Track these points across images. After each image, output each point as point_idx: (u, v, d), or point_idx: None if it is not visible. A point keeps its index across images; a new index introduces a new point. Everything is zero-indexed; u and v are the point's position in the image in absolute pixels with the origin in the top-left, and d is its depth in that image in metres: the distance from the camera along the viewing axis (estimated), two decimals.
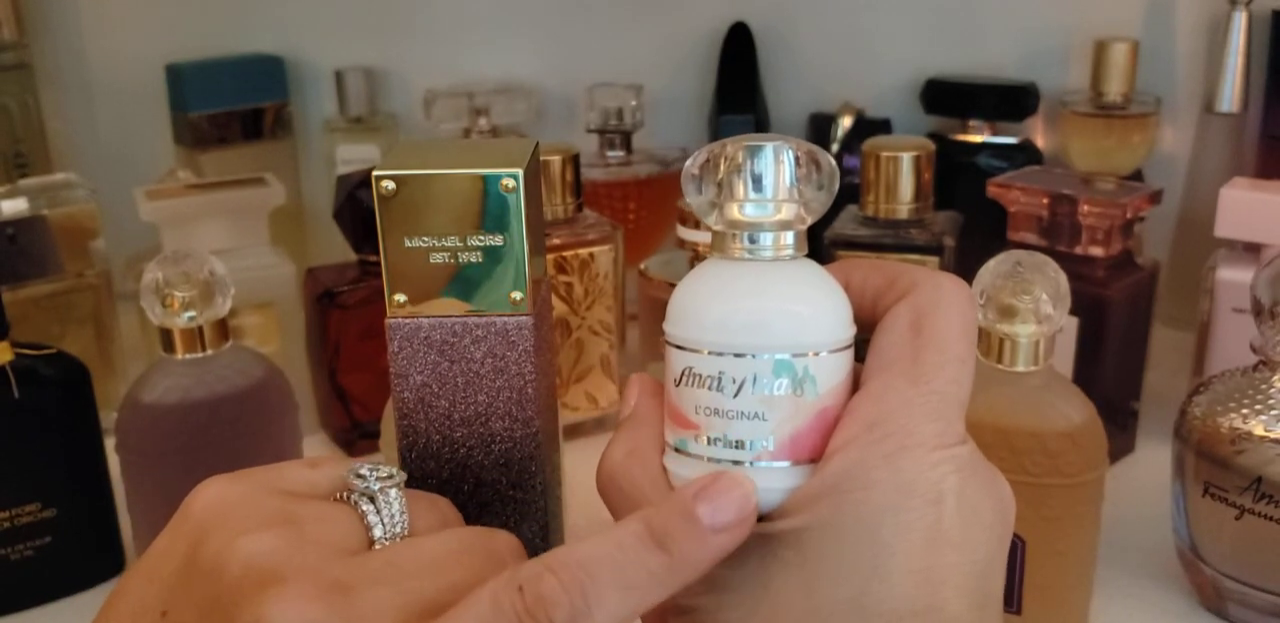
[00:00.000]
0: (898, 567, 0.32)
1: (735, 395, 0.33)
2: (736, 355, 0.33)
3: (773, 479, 0.33)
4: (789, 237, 0.34)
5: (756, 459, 0.33)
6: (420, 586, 0.31)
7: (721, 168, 0.34)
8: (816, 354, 0.33)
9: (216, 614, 0.31)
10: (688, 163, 0.35)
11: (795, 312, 0.33)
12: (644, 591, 0.30)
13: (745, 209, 0.34)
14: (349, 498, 0.34)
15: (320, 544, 0.32)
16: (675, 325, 0.34)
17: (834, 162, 0.35)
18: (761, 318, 0.33)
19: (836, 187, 0.35)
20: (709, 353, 0.33)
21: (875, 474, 0.32)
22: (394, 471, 0.35)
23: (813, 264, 0.35)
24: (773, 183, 0.34)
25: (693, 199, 0.35)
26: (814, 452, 0.33)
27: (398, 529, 0.34)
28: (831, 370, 0.33)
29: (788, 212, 0.34)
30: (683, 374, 0.34)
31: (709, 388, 0.33)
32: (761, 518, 0.33)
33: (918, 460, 0.32)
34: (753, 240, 0.34)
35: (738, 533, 0.31)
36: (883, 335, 0.34)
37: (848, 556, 0.32)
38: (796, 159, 0.34)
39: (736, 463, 0.33)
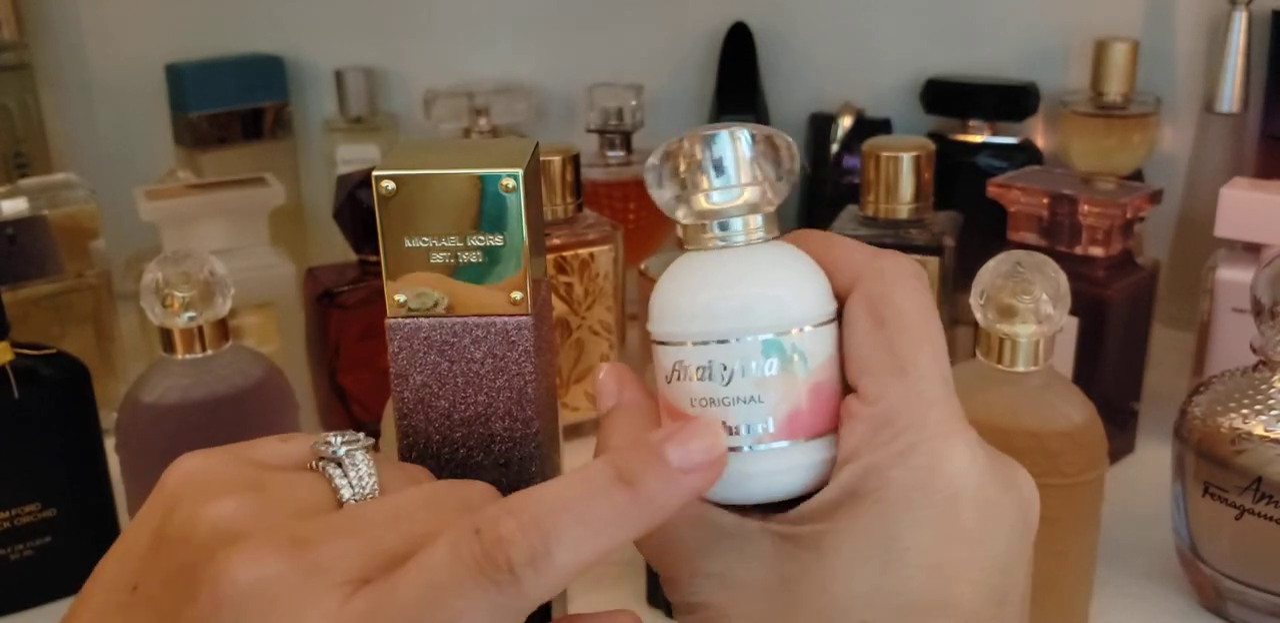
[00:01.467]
0: (911, 561, 0.32)
1: (728, 383, 0.33)
2: (720, 342, 0.33)
3: (774, 461, 0.33)
4: (758, 219, 0.34)
5: (757, 443, 0.33)
6: (383, 535, 0.30)
7: (681, 161, 0.34)
8: (801, 330, 0.33)
9: (183, 580, 0.30)
10: (648, 161, 0.35)
11: (774, 293, 0.33)
12: (608, 530, 0.29)
13: (711, 197, 0.34)
14: (318, 466, 0.34)
15: (287, 505, 0.32)
16: (658, 323, 0.34)
17: (791, 140, 0.35)
18: (741, 302, 0.33)
19: (797, 166, 0.35)
20: (693, 344, 0.33)
21: (890, 474, 0.32)
22: (361, 435, 0.34)
23: (786, 245, 0.35)
24: (733, 166, 0.34)
25: (657, 195, 0.35)
26: (812, 429, 0.33)
27: (367, 491, 0.33)
28: (818, 345, 0.34)
29: (752, 194, 0.34)
30: (673, 370, 0.34)
31: (701, 379, 0.33)
32: (770, 507, 0.33)
33: (931, 453, 0.32)
34: (724, 227, 0.34)
35: (706, 476, 0.30)
36: (850, 335, 0.34)
37: (862, 551, 0.32)
38: (752, 138, 0.34)
39: (735, 449, 0.33)
